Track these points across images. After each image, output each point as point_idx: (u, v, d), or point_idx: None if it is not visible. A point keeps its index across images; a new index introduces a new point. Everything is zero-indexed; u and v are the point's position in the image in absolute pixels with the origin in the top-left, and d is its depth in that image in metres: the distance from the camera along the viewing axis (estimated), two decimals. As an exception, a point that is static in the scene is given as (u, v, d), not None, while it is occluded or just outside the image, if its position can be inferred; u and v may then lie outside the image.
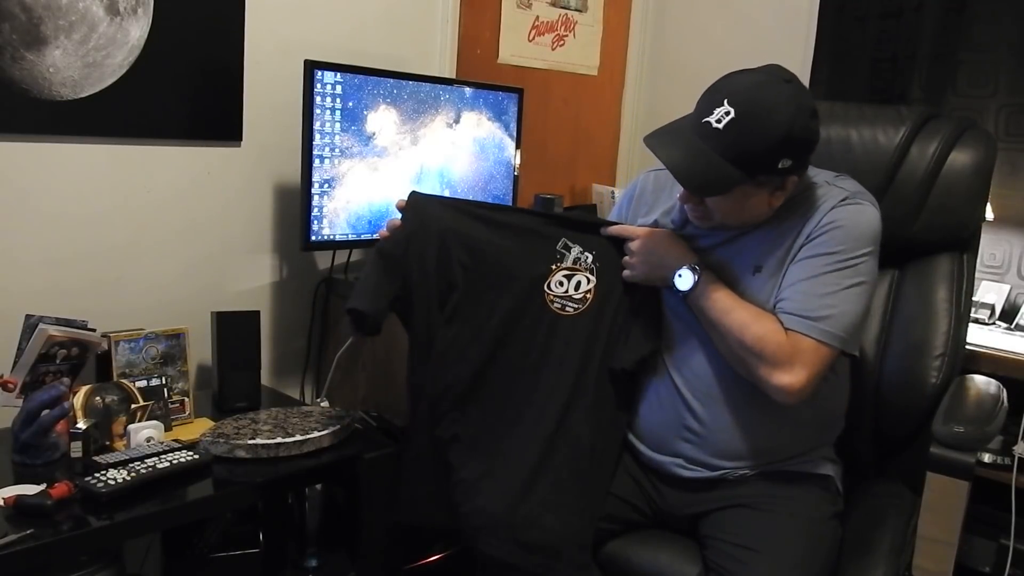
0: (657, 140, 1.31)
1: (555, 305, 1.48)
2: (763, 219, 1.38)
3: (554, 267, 1.49)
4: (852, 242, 1.33)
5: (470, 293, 1.45)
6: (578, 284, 1.48)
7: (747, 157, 1.26)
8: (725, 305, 1.34)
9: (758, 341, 1.30)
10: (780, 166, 1.28)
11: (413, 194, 1.48)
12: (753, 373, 1.32)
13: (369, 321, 1.44)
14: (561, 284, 1.48)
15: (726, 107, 1.25)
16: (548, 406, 1.45)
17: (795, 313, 1.31)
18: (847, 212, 1.34)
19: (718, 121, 1.25)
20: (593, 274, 1.49)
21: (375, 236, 1.54)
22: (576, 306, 1.48)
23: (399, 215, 1.47)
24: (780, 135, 1.25)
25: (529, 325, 1.47)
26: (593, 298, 1.48)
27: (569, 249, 1.49)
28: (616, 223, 1.52)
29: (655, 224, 1.50)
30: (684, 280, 1.37)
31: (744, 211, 1.36)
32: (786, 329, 1.31)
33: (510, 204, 2.33)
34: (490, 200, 2.29)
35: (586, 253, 1.49)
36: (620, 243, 1.49)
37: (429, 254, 1.44)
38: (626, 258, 1.46)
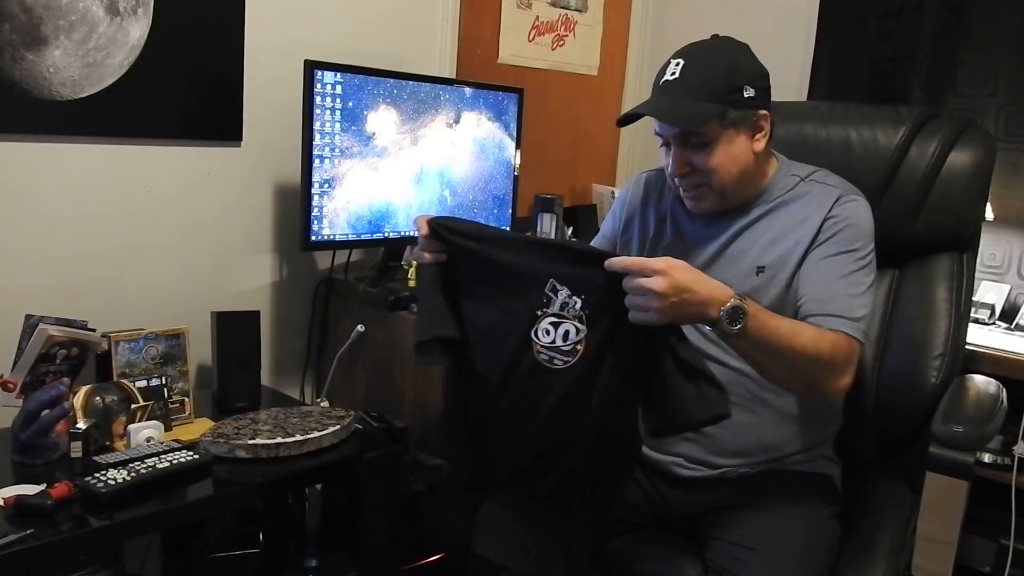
0: (629, 111, 1.38)
1: (541, 356, 1.27)
2: (756, 175, 1.40)
3: (539, 312, 1.27)
4: (864, 238, 1.36)
5: (472, 328, 1.34)
6: (566, 334, 1.25)
7: (710, 89, 1.32)
8: (789, 328, 1.23)
9: (831, 352, 1.25)
10: (746, 95, 1.33)
11: (433, 221, 1.33)
12: (817, 385, 1.27)
13: (434, 349, 1.32)
14: (548, 332, 1.27)
15: (675, 62, 1.35)
16: (547, 461, 1.32)
17: (841, 315, 1.29)
18: (853, 208, 1.37)
19: (672, 74, 1.34)
20: (583, 323, 1.25)
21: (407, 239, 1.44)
22: (565, 359, 1.25)
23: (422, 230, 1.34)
24: (728, 62, 1.35)
25: (521, 376, 1.30)
26: (584, 349, 1.25)
27: (556, 292, 1.26)
28: (622, 256, 1.21)
29: (652, 235, 1.50)
30: (734, 316, 1.16)
31: (733, 160, 1.36)
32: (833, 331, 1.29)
33: (511, 225, 2.32)
34: (490, 200, 2.29)
35: (575, 298, 1.25)
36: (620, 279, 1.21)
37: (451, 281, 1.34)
38: (641, 299, 1.14)
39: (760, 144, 1.38)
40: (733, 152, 1.35)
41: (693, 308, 1.15)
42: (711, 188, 1.38)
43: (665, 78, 1.35)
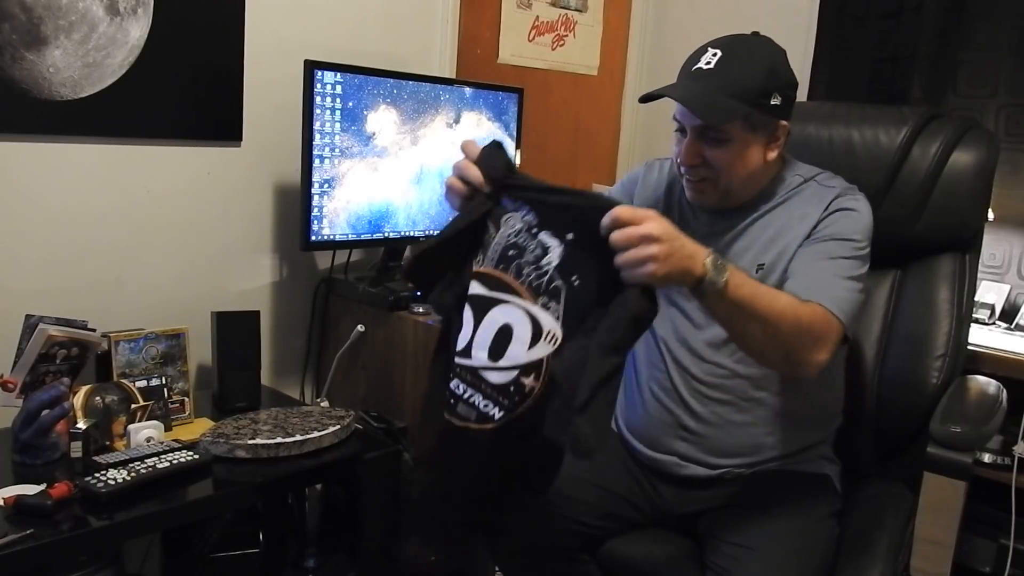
0: (657, 88, 1.35)
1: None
2: (763, 180, 1.40)
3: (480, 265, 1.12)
4: (863, 231, 1.35)
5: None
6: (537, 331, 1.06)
7: (741, 88, 1.30)
8: (767, 289, 1.22)
9: (810, 321, 1.22)
10: (772, 102, 1.32)
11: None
12: (794, 355, 1.23)
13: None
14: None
15: (712, 51, 1.33)
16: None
17: (826, 293, 1.27)
18: (856, 202, 1.37)
19: (707, 63, 1.32)
20: (557, 302, 1.05)
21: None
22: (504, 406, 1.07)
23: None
24: (766, 66, 1.33)
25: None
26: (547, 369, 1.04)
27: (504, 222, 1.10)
28: (619, 203, 1.07)
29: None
30: (719, 267, 1.11)
31: (744, 162, 1.35)
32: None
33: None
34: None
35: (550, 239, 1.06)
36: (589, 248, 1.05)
37: None
38: (638, 250, 1.02)
39: (773, 154, 1.38)
40: (746, 155, 1.35)
41: (683, 260, 1.08)
42: (715, 185, 1.37)
43: (699, 65, 1.33)
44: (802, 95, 2.55)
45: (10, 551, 1.16)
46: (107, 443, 1.49)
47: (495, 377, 1.08)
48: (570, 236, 1.07)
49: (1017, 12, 2.28)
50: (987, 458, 2.03)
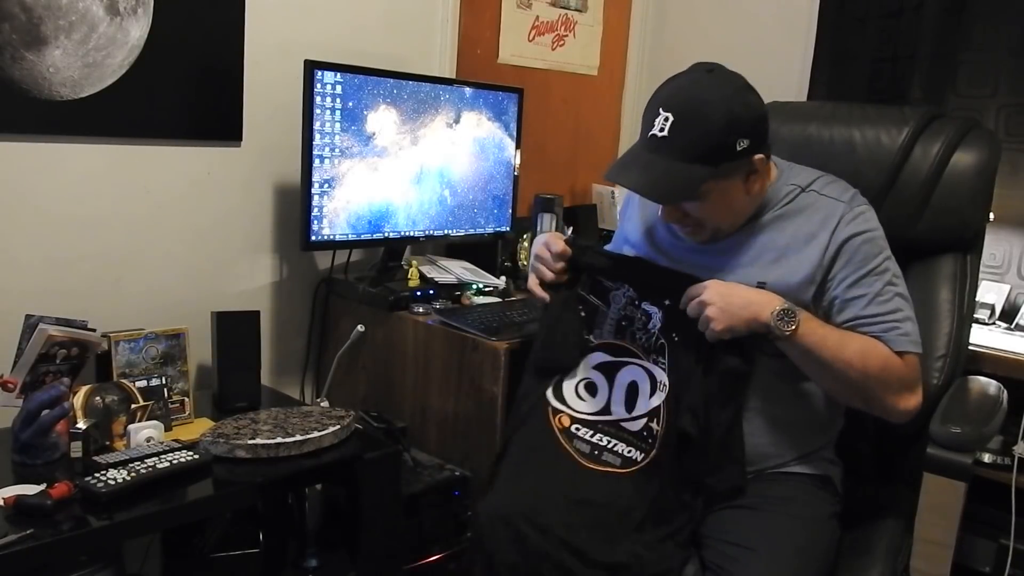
0: (616, 170, 1.35)
1: (579, 445, 1.35)
2: (752, 207, 1.38)
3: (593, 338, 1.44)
4: (881, 245, 1.36)
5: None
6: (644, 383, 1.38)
7: (702, 150, 1.27)
8: (838, 338, 1.29)
9: (884, 368, 1.28)
10: (739, 148, 1.28)
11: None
12: (877, 402, 1.31)
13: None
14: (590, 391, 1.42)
15: (663, 114, 1.28)
16: None
17: (894, 333, 1.31)
18: (861, 222, 1.36)
19: (661, 130, 1.28)
20: (664, 357, 1.37)
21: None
22: (635, 453, 1.33)
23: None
24: (723, 119, 1.26)
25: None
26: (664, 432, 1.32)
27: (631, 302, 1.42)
28: (689, 276, 1.35)
29: (651, 242, 1.49)
30: (787, 319, 1.26)
31: (727, 206, 1.35)
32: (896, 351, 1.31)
33: (511, 225, 2.34)
34: (490, 200, 2.29)
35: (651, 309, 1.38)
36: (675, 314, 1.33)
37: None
38: (702, 315, 1.28)
39: (756, 186, 1.35)
40: (726, 199, 1.34)
41: (743, 310, 1.27)
42: (704, 228, 1.38)
43: (653, 132, 1.30)
44: (802, 95, 2.58)
45: (10, 551, 1.16)
46: (107, 443, 1.49)
47: (632, 426, 1.33)
48: (667, 302, 1.35)
49: (1017, 12, 2.28)
50: (987, 458, 2.03)
